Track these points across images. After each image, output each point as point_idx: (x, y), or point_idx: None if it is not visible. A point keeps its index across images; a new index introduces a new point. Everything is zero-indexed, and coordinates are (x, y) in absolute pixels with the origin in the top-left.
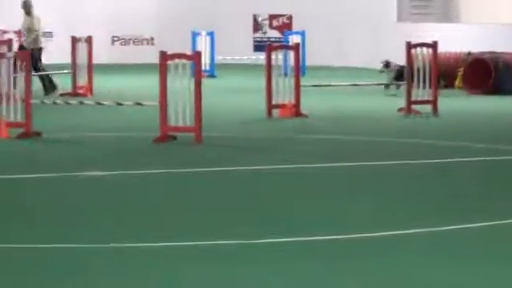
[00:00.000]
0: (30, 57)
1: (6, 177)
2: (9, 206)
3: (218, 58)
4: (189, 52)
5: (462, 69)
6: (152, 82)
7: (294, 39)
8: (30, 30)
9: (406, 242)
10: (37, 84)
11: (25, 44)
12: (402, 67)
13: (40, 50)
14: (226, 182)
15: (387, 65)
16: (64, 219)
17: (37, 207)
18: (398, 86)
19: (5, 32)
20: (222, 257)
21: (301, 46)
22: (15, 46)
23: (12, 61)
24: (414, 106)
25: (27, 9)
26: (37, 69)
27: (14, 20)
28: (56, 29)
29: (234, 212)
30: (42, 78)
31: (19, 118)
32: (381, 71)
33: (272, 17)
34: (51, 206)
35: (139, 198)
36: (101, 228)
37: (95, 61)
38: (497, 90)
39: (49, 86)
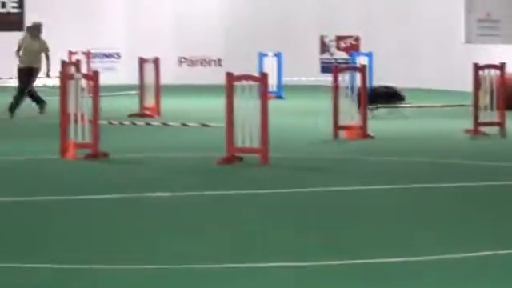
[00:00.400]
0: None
1: (74, 197)
2: (77, 226)
3: (285, 79)
4: (256, 73)
5: None
6: (219, 103)
7: (361, 60)
8: (38, 51)
9: (469, 265)
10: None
11: (36, 65)
12: (386, 88)
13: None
14: (292, 203)
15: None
16: (133, 240)
17: (105, 227)
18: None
19: (73, 53)
20: (279, 279)
21: (368, 68)
22: (84, 68)
23: (80, 82)
24: (481, 128)
25: (38, 32)
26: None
27: (82, 41)
28: (124, 50)
29: (299, 232)
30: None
31: (87, 139)
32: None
33: (339, 38)
34: (119, 227)
35: (205, 218)
36: (171, 248)
37: (162, 82)
38: None
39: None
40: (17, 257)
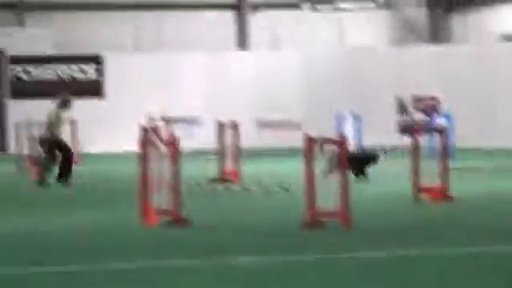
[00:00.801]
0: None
1: (156, 263)
2: None
3: (364, 141)
4: (334, 135)
5: None
6: (299, 166)
7: (440, 121)
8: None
9: None
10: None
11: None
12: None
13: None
14: (375, 268)
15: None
16: None
17: None
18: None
19: (153, 119)
20: None
21: (448, 128)
22: (164, 134)
23: (160, 148)
24: None
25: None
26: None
27: (162, 107)
28: (203, 114)
29: None
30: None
31: (167, 205)
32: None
33: (417, 99)
34: None
35: (285, 284)
36: None
37: (242, 146)
38: None
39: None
40: None
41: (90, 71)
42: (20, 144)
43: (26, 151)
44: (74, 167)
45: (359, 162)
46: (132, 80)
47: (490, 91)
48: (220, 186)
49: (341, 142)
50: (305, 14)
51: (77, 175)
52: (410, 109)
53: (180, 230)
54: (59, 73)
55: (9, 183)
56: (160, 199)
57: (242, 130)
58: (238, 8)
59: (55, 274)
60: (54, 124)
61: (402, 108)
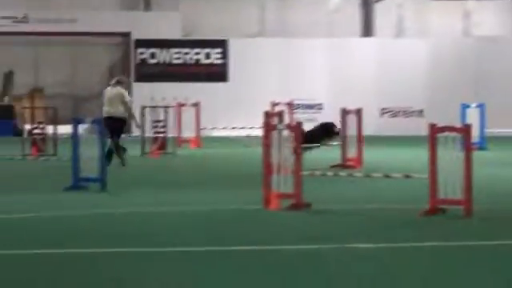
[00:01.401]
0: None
1: (276, 247)
2: (277, 278)
3: (489, 131)
4: (458, 124)
5: None
6: (421, 154)
7: None
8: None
9: None
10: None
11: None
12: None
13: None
14: (496, 257)
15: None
16: None
17: (307, 279)
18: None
19: (276, 104)
20: None
21: None
22: (287, 118)
23: (283, 133)
24: None
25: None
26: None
27: (285, 92)
28: (325, 101)
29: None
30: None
31: (289, 190)
32: None
33: None
34: (322, 278)
35: (404, 271)
36: None
37: (364, 132)
38: None
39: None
40: None
41: (214, 55)
42: (144, 126)
43: (150, 134)
44: (198, 150)
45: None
46: (255, 65)
47: None
48: (342, 172)
49: (465, 130)
50: (430, 2)
51: (200, 158)
52: None
53: (301, 214)
54: (184, 57)
55: (135, 165)
56: (282, 184)
57: (365, 117)
58: None
59: (182, 254)
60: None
61: None
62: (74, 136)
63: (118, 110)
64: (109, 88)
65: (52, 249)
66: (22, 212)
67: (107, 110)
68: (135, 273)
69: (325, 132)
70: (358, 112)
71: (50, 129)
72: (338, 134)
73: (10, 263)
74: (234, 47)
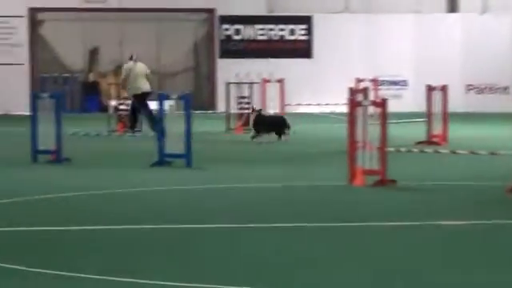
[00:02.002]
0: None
1: (362, 224)
2: (357, 252)
3: None
4: None
5: None
6: (506, 131)
7: None
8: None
9: None
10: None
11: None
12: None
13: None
14: None
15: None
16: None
17: (391, 255)
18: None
19: (360, 81)
20: None
21: None
22: (371, 95)
23: (368, 109)
24: None
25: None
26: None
27: (370, 69)
28: (411, 77)
29: None
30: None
31: (375, 166)
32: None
33: None
34: (405, 255)
35: (498, 249)
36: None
37: (450, 109)
38: None
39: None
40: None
41: (299, 32)
42: (229, 103)
43: (234, 110)
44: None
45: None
46: (340, 41)
47: None
48: (427, 149)
49: None
50: None
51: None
52: None
53: (386, 191)
54: (269, 33)
55: (220, 141)
56: (367, 160)
57: (451, 93)
58: None
59: (270, 229)
60: (126, 79)
61: None
62: (160, 112)
63: (149, 85)
64: (131, 63)
65: (141, 224)
66: (110, 188)
67: (145, 86)
68: (229, 249)
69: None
70: (443, 89)
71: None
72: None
73: (107, 237)
74: (318, 23)
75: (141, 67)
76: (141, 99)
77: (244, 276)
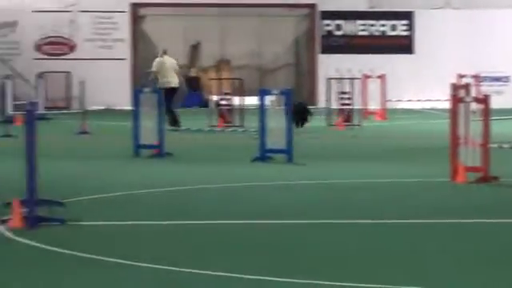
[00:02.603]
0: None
1: (459, 221)
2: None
3: None
4: None
5: None
6: None
7: None
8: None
9: None
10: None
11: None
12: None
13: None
14: None
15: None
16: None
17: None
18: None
19: (462, 76)
20: None
21: None
22: (473, 91)
23: (470, 105)
24: None
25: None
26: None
27: (471, 64)
28: None
29: None
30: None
31: (477, 163)
32: None
33: None
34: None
35: None
36: None
37: None
38: None
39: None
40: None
41: (400, 27)
42: (329, 98)
43: (335, 105)
44: (383, 122)
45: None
46: (441, 36)
47: None
48: None
49: None
50: None
51: (385, 130)
52: None
53: (488, 187)
54: (370, 28)
55: (320, 137)
56: (470, 157)
57: None
58: None
59: (374, 226)
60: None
61: None
62: (261, 107)
63: (177, 80)
64: (161, 59)
65: (245, 219)
66: (211, 183)
67: (174, 81)
68: (331, 243)
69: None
70: None
71: (236, 100)
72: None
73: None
74: (419, 19)
75: (171, 62)
76: (169, 93)
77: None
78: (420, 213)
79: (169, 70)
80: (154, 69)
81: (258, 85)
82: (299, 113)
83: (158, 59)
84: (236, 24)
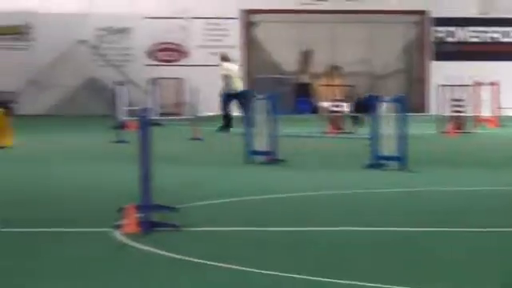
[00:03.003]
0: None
1: None
2: None
3: None
4: None
5: None
6: None
7: None
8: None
9: None
10: None
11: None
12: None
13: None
14: None
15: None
16: None
17: None
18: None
19: None
20: None
21: None
22: None
23: None
24: None
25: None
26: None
27: None
28: None
29: None
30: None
31: None
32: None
33: None
34: None
35: None
36: None
37: None
38: None
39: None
40: None
41: None
42: (441, 105)
43: (447, 112)
44: (496, 130)
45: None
46: None
47: None
48: None
49: None
50: None
51: (498, 138)
52: None
53: None
54: (481, 35)
55: (432, 144)
56: None
57: None
58: None
59: (490, 234)
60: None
61: None
62: (374, 114)
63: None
64: (226, 64)
65: (356, 226)
66: (324, 189)
67: (240, 86)
68: (446, 251)
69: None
70: None
71: (347, 107)
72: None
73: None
74: None
75: (235, 68)
76: (233, 98)
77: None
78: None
79: (237, 74)
80: (224, 73)
81: (368, 91)
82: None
83: (225, 65)
84: (347, 30)
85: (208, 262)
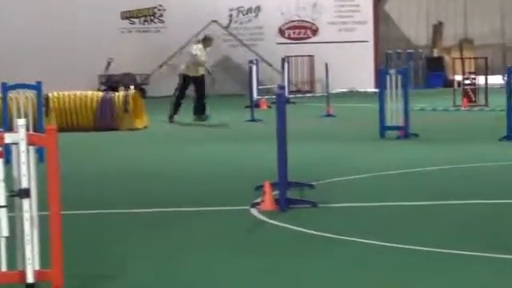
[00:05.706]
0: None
1: None
2: None
3: None
4: None
5: None
6: None
7: None
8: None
9: None
10: None
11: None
12: None
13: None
14: None
15: None
16: None
17: None
18: None
19: None
20: None
21: None
22: None
23: None
24: None
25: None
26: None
27: None
28: None
29: None
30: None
31: None
32: None
33: None
34: None
35: None
36: None
37: None
38: None
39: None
40: None
41: None
42: None
43: None
44: None
45: None
46: None
47: None
48: None
49: None
50: None
51: None
52: None
53: None
54: None
55: None
56: None
57: None
58: None
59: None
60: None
61: None
62: (508, 86)
63: None
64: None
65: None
66: (459, 163)
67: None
68: None
69: None
70: None
71: (480, 79)
72: None
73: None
74: None
75: (203, 54)
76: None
77: None
78: None
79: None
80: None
81: (501, 63)
82: None
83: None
84: (478, 3)
85: (344, 238)
